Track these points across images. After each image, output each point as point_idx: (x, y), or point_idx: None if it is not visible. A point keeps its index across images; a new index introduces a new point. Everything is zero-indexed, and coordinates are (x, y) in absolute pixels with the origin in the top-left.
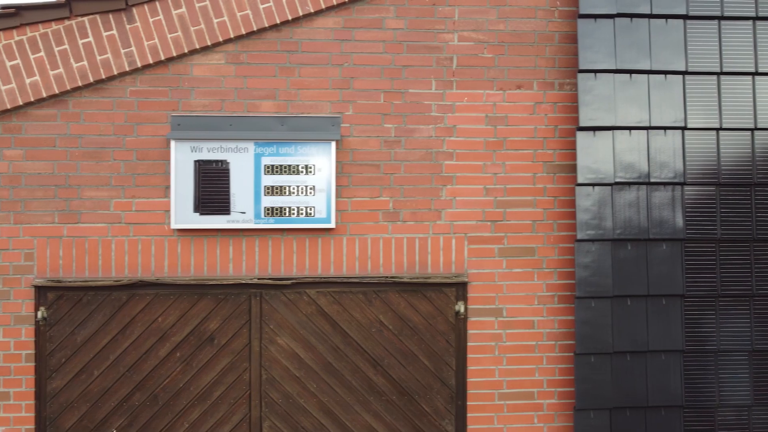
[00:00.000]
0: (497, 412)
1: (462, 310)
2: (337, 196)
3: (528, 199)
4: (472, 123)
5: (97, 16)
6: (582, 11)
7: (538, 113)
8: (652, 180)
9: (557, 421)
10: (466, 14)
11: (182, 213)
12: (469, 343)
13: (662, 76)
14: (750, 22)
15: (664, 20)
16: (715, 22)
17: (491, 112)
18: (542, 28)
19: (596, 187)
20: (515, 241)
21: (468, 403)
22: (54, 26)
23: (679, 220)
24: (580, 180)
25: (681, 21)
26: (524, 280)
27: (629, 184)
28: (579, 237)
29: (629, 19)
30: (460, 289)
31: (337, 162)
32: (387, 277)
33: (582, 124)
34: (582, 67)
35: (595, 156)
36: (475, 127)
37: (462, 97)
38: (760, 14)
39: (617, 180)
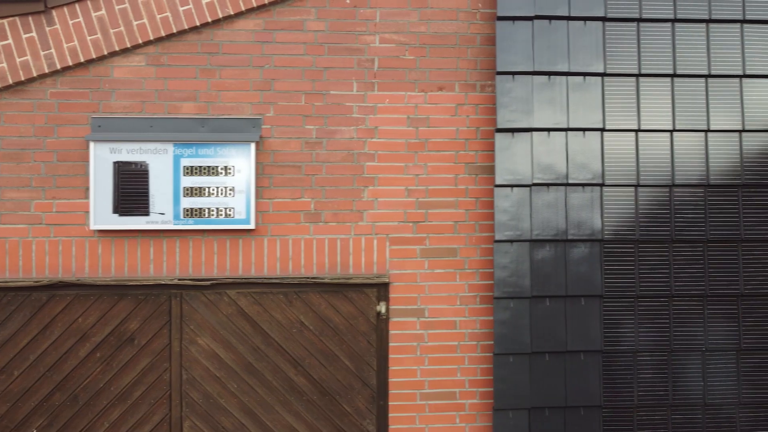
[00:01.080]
0: (419, 412)
1: (383, 310)
2: (259, 197)
3: (450, 200)
4: (394, 124)
5: (17, 19)
6: (500, 13)
7: (460, 115)
8: (570, 181)
9: (479, 421)
10: (387, 16)
11: (101, 214)
12: (390, 344)
13: (581, 77)
14: (669, 24)
15: (582, 22)
16: (634, 24)
17: (413, 113)
18: (464, 30)
19: (515, 189)
20: (437, 242)
21: (390, 403)
22: None
23: (598, 222)
24: (498, 181)
25: (600, 23)
26: (446, 281)
27: (548, 185)
28: (497, 238)
29: (548, 21)
30: (381, 289)
31: (258, 163)
32: (308, 277)
33: (500, 125)
34: (500, 69)
35: (514, 157)
36: (397, 128)
37: (383, 99)
38: (679, 16)
39: (535, 181)
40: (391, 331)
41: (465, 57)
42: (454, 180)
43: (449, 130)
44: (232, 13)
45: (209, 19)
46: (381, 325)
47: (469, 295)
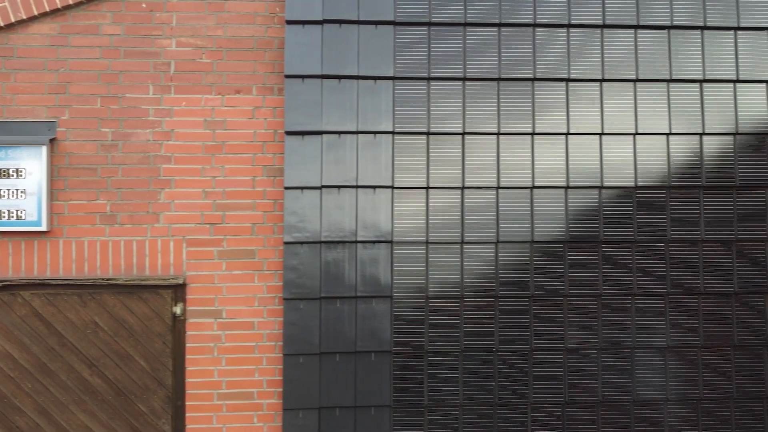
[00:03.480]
0: (216, 412)
1: (180, 311)
2: (54, 199)
3: (247, 202)
4: (191, 127)
5: None
6: (289, 17)
7: (258, 117)
8: (360, 183)
9: (277, 421)
10: (184, 20)
11: None
12: (187, 344)
13: (372, 81)
14: (461, 29)
15: (373, 26)
16: (425, 28)
17: (210, 116)
18: (261, 33)
19: (305, 191)
20: (235, 244)
21: (187, 403)
22: None
23: (387, 224)
24: (287, 184)
25: (391, 27)
26: (244, 282)
27: (338, 187)
28: (286, 240)
29: (338, 25)
30: (177, 291)
31: (54, 166)
32: (102, 279)
33: (289, 128)
34: (288, 72)
35: (304, 160)
36: (194, 131)
37: (180, 102)
38: (469, 20)
39: (325, 184)
40: (188, 332)
41: (263, 60)
42: (251, 182)
43: (247, 133)
44: (24, 17)
45: (1, 24)
46: (177, 326)
47: (268, 296)
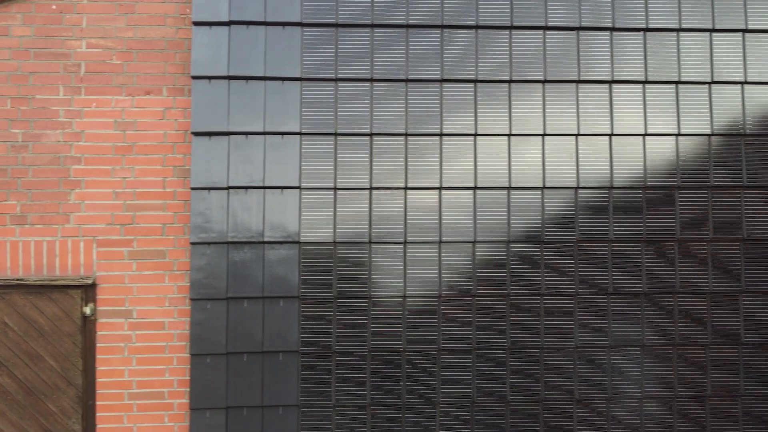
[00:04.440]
0: (127, 412)
1: (90, 312)
2: None
3: (158, 203)
4: (101, 128)
5: None
6: (195, 19)
7: (168, 118)
8: (267, 184)
9: (187, 420)
10: (94, 22)
11: None
12: (98, 344)
13: (279, 82)
14: (368, 30)
15: (281, 27)
16: (332, 29)
17: (120, 117)
18: (172, 35)
19: (212, 191)
20: (145, 244)
21: (97, 402)
22: None
23: (295, 224)
24: (194, 184)
25: (298, 28)
26: (155, 282)
27: (245, 188)
28: (192, 240)
29: (245, 26)
30: (88, 291)
31: None
32: (11, 279)
33: (195, 129)
34: (195, 73)
35: (211, 160)
36: (104, 132)
37: (90, 103)
38: (377, 22)
39: (232, 184)
40: (98, 332)
41: (173, 61)
42: (162, 183)
43: (157, 134)
44: None
45: None
46: (88, 326)
47: (178, 297)
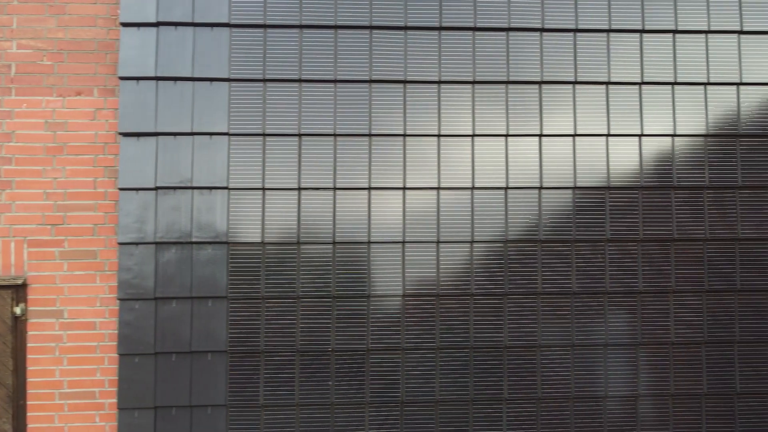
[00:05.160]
0: (58, 411)
1: (20, 312)
2: None
3: (89, 203)
4: (32, 129)
5: None
6: (123, 20)
7: (99, 119)
8: (195, 185)
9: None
10: (24, 22)
11: None
12: (28, 344)
13: (207, 82)
14: (297, 31)
15: (209, 28)
16: (261, 30)
17: (51, 118)
18: (102, 36)
19: (140, 192)
20: (76, 245)
21: (28, 402)
22: None
23: (223, 224)
24: (122, 185)
25: (226, 29)
26: (86, 283)
27: (174, 188)
28: (120, 240)
29: (173, 27)
30: (18, 291)
31: None
32: None
33: (123, 129)
34: (123, 74)
35: (139, 161)
36: (35, 132)
37: (21, 104)
38: (305, 23)
39: (160, 185)
40: (29, 332)
41: (104, 62)
42: (93, 183)
43: (88, 134)
44: None
45: None
46: (18, 326)
47: (109, 297)
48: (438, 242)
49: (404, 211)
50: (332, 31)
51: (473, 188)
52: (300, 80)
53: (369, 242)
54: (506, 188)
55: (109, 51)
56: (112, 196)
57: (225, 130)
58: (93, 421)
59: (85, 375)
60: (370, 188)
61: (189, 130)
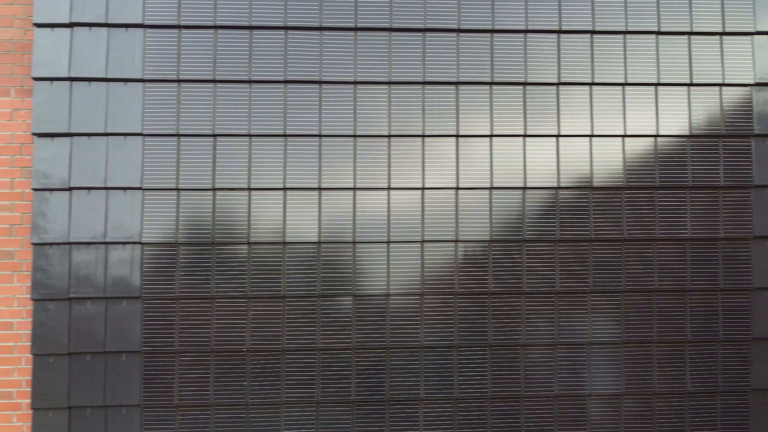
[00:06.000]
0: None
1: None
2: None
3: (6, 204)
4: None
5: None
6: (36, 21)
7: (16, 119)
8: (109, 185)
9: None
10: None
11: None
12: None
13: (122, 83)
14: (212, 31)
15: (124, 29)
16: (176, 30)
17: None
18: (20, 36)
19: (54, 192)
20: None
21: None
22: None
23: (138, 225)
24: (36, 185)
25: (141, 30)
26: (3, 283)
27: (88, 189)
28: (34, 241)
29: (88, 28)
30: None
31: None
32: None
33: (37, 130)
34: (36, 74)
35: (53, 161)
36: None
37: None
38: (219, 23)
39: (74, 185)
40: None
41: (21, 63)
42: (10, 184)
43: (5, 135)
44: None
45: None
46: None
47: (26, 297)
48: (354, 243)
49: (319, 212)
50: (247, 32)
51: (390, 189)
52: (215, 81)
53: (284, 243)
54: (420, 189)
55: (26, 52)
56: (29, 197)
57: (139, 131)
58: (10, 421)
59: (2, 375)
60: (285, 189)
61: (103, 131)
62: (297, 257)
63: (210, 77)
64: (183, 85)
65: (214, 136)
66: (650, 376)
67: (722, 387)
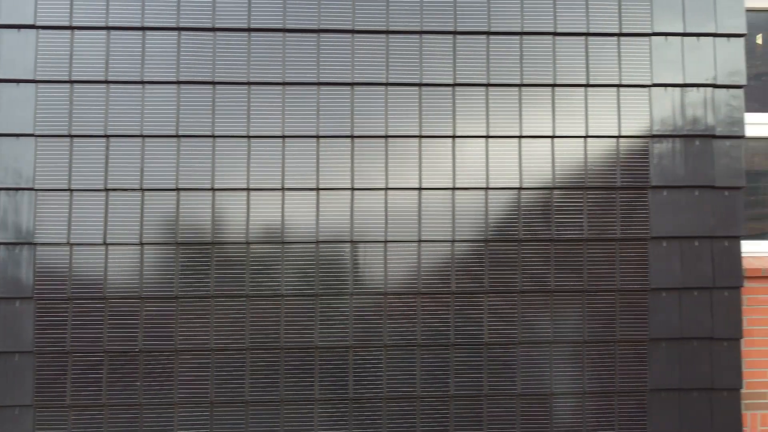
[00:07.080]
0: None
1: None
2: None
3: None
4: None
5: None
6: None
7: None
8: (1, 186)
9: None
10: None
11: None
12: None
13: (14, 84)
14: (105, 32)
15: (16, 30)
16: (68, 31)
17: None
18: None
19: None
20: None
21: None
22: None
23: (30, 225)
24: None
25: (33, 31)
26: None
27: None
28: None
29: None
30: None
31: None
32: None
33: None
34: None
35: None
36: None
37: None
38: (111, 24)
39: None
40: None
41: None
42: None
43: None
44: None
45: None
46: None
47: None
48: (247, 243)
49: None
50: (140, 32)
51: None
52: (107, 81)
53: (177, 244)
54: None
55: None
56: None
57: (31, 132)
58: None
59: None
60: (178, 189)
61: None
62: (189, 257)
63: (102, 78)
64: (75, 85)
65: (107, 136)
66: (546, 376)
67: (619, 387)
